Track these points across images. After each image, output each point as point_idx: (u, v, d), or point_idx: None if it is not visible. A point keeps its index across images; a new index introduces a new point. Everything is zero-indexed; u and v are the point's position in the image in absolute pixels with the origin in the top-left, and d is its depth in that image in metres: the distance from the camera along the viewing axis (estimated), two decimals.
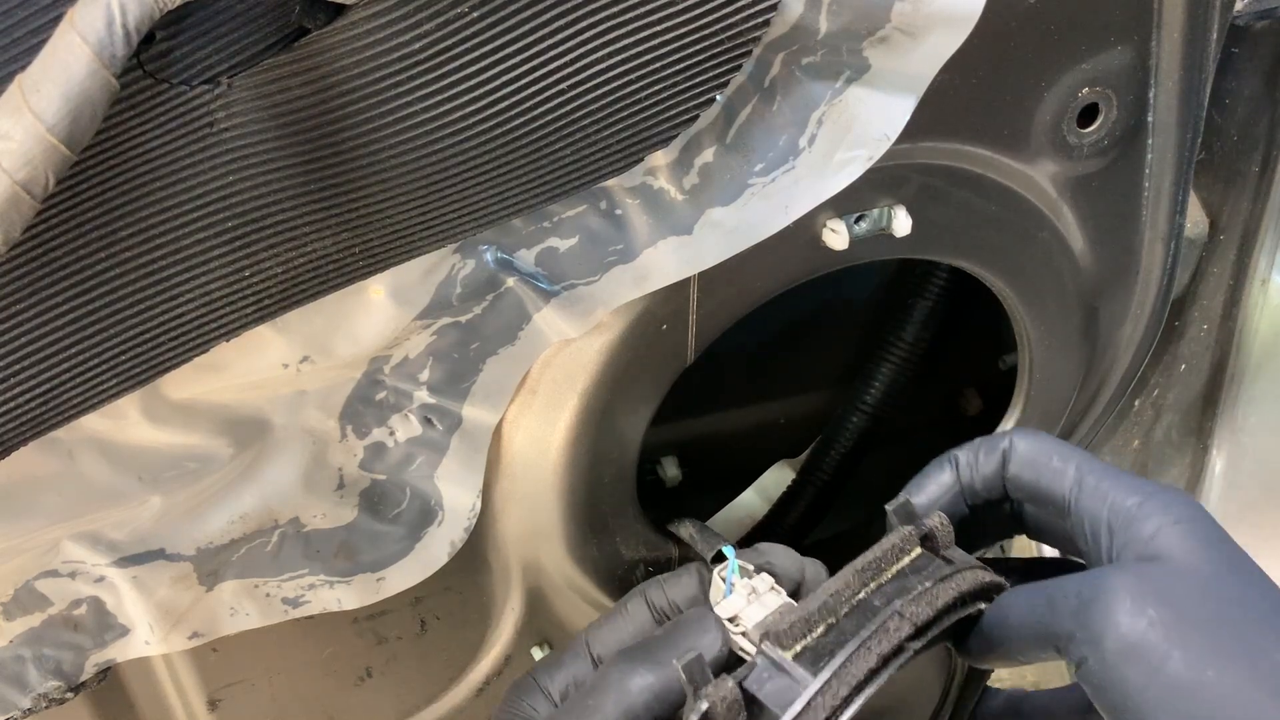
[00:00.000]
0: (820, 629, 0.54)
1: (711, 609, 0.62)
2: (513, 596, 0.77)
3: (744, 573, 0.65)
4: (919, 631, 0.53)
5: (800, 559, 0.67)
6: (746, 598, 0.63)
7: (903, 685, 0.59)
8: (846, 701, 0.50)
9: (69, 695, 0.62)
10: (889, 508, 0.61)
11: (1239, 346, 0.90)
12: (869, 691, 0.51)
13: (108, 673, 0.63)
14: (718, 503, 0.98)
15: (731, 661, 0.59)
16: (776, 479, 1.00)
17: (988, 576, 0.58)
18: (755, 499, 1.00)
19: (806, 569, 0.66)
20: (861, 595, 0.56)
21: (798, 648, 0.53)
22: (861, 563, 0.58)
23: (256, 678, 0.74)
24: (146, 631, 0.62)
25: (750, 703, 0.51)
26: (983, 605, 0.58)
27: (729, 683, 0.51)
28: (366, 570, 0.66)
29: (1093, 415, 0.92)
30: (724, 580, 0.65)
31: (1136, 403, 1.00)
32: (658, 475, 0.93)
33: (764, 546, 0.67)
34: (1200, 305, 0.92)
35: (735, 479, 1.00)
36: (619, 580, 0.77)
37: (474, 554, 0.72)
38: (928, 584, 0.56)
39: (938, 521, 0.60)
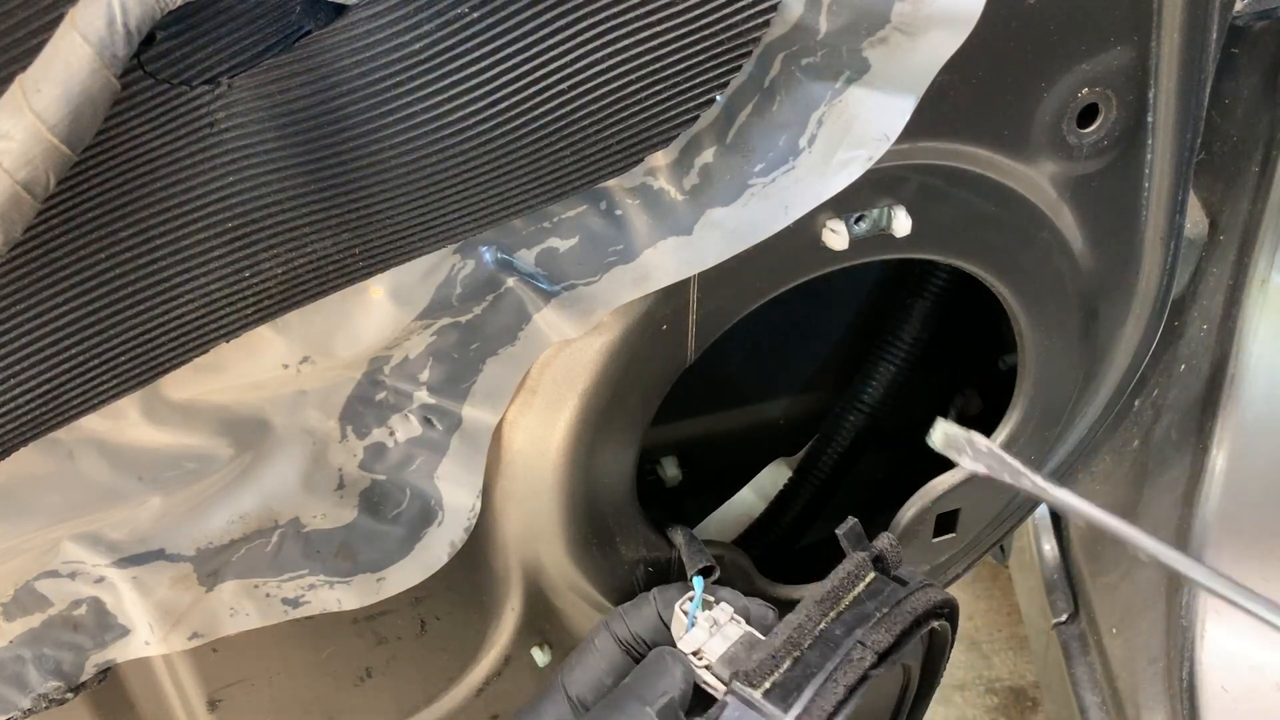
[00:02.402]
0: (787, 664, 0.57)
1: (673, 646, 0.63)
2: (513, 597, 0.77)
3: (705, 604, 0.66)
4: (881, 658, 0.55)
5: (743, 598, 0.69)
6: (709, 630, 0.64)
7: (867, 700, 0.61)
8: None
9: (69, 695, 0.62)
10: (839, 532, 0.63)
11: (1239, 346, 0.90)
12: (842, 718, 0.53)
13: (108, 673, 0.63)
14: (717, 502, 0.98)
15: (696, 696, 0.61)
16: (773, 477, 1.00)
17: (939, 595, 0.60)
18: (752, 497, 1.00)
19: (750, 607, 0.69)
20: (823, 626, 0.59)
21: (767, 684, 0.55)
22: (820, 593, 0.60)
23: (256, 678, 0.74)
24: (146, 632, 0.62)
25: None
26: (935, 625, 0.60)
27: None
28: (366, 570, 0.66)
29: (1093, 415, 0.92)
30: (685, 614, 0.66)
31: (1136, 403, 1.00)
32: (658, 475, 0.93)
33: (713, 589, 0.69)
34: (1200, 305, 0.92)
35: (735, 478, 1.00)
36: (619, 580, 0.77)
37: (474, 554, 0.72)
38: (885, 610, 0.58)
39: (886, 543, 0.62)
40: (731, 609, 0.66)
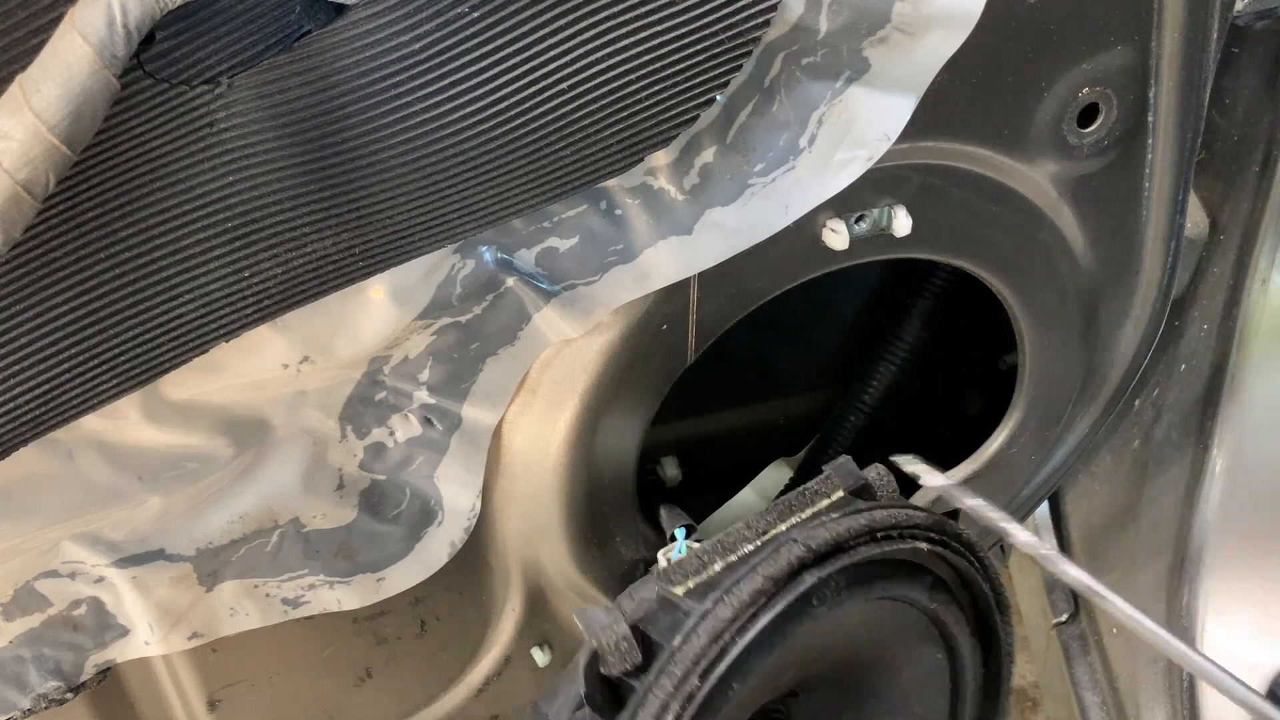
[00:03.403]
0: (719, 565, 0.53)
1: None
2: (513, 596, 0.77)
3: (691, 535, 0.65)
4: (819, 559, 0.51)
5: None
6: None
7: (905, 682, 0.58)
8: (737, 623, 0.48)
9: (69, 696, 0.62)
10: (827, 467, 0.59)
11: (1239, 346, 0.90)
12: (766, 618, 0.49)
13: (107, 673, 0.63)
14: (717, 502, 0.98)
15: None
16: (774, 478, 1.00)
17: (923, 518, 0.56)
18: (752, 497, 1.00)
19: None
20: (768, 535, 0.55)
21: (690, 584, 0.52)
22: (769, 505, 0.57)
23: (256, 678, 0.74)
24: (146, 632, 0.62)
25: (646, 641, 0.51)
26: (922, 543, 0.55)
27: (620, 624, 0.50)
28: (366, 570, 0.66)
29: (1092, 415, 0.92)
30: (669, 561, 0.65)
31: (1136, 403, 0.99)
32: (658, 475, 0.93)
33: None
34: (1200, 305, 0.92)
35: (735, 478, 1.00)
36: (619, 580, 0.77)
37: (474, 554, 0.72)
38: (836, 516, 0.54)
39: (875, 474, 0.59)
40: None
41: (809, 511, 0.56)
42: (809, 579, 0.51)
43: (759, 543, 0.54)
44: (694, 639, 0.48)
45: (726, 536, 0.54)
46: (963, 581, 0.60)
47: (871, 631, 0.56)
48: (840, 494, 0.57)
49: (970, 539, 0.59)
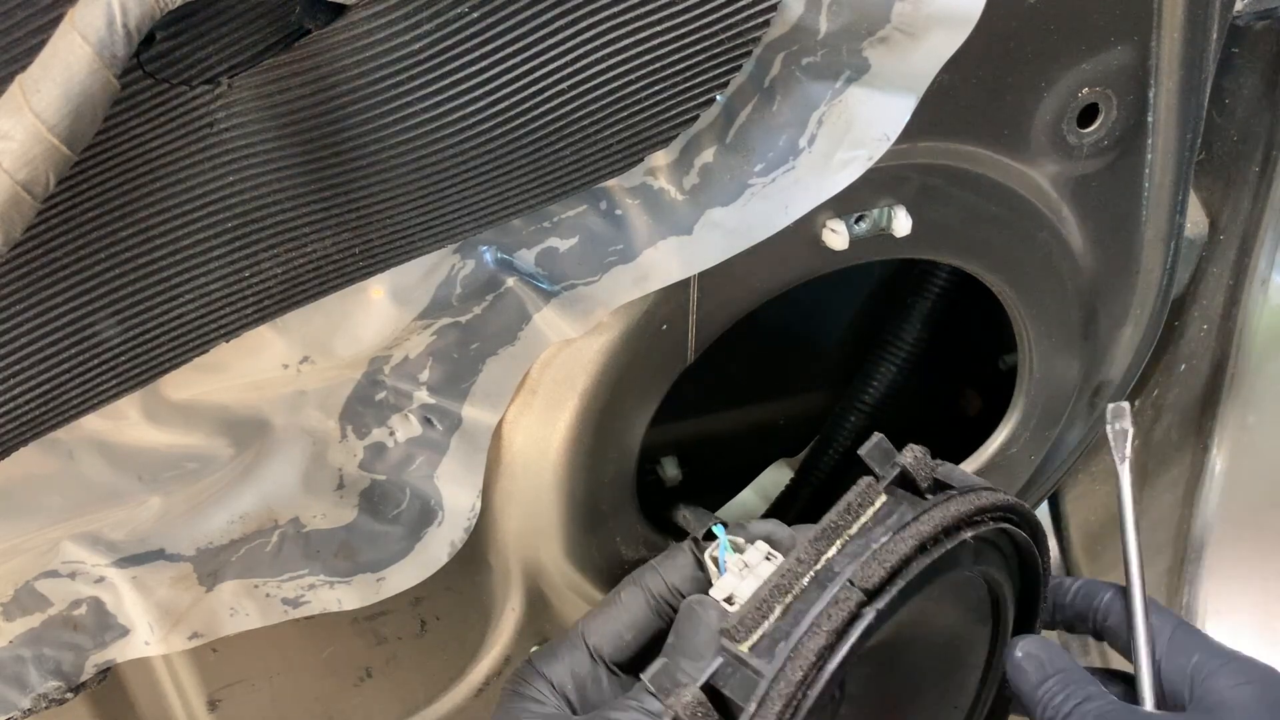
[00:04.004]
0: (777, 611, 0.54)
1: (705, 594, 0.62)
2: (513, 596, 0.77)
3: (734, 547, 0.65)
4: (874, 593, 0.52)
5: (789, 529, 0.66)
6: (739, 574, 0.63)
7: (929, 624, 0.58)
8: (805, 681, 0.51)
9: (69, 695, 0.62)
10: (861, 452, 0.59)
11: (1239, 346, 0.90)
12: (830, 667, 0.51)
13: (108, 673, 0.63)
14: (717, 502, 0.98)
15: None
16: (774, 478, 1.00)
17: (963, 507, 0.56)
18: (753, 498, 1.00)
19: (799, 536, 0.66)
20: (820, 564, 0.55)
21: (753, 638, 0.53)
22: (817, 530, 0.57)
23: (256, 678, 0.74)
24: (146, 632, 0.62)
25: (719, 698, 0.52)
26: (968, 534, 0.56)
27: (692, 688, 0.52)
28: (366, 570, 0.66)
29: (1093, 415, 0.92)
30: (715, 561, 0.65)
31: (1136, 403, 1.00)
32: (658, 475, 0.93)
33: (751, 524, 0.67)
34: (1200, 305, 0.92)
35: (735, 479, 1.00)
36: (619, 580, 0.77)
37: (474, 554, 0.72)
38: (884, 539, 0.54)
39: (911, 457, 0.58)
40: (768, 547, 0.64)
41: (855, 527, 0.56)
42: (869, 615, 0.52)
43: (813, 573, 0.55)
44: (769, 704, 0.50)
45: (781, 578, 0.55)
46: (1004, 532, 0.61)
47: (920, 610, 0.56)
48: (881, 499, 0.57)
49: (1010, 502, 0.59)
